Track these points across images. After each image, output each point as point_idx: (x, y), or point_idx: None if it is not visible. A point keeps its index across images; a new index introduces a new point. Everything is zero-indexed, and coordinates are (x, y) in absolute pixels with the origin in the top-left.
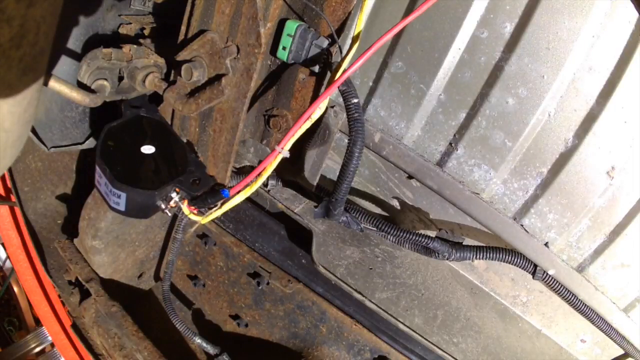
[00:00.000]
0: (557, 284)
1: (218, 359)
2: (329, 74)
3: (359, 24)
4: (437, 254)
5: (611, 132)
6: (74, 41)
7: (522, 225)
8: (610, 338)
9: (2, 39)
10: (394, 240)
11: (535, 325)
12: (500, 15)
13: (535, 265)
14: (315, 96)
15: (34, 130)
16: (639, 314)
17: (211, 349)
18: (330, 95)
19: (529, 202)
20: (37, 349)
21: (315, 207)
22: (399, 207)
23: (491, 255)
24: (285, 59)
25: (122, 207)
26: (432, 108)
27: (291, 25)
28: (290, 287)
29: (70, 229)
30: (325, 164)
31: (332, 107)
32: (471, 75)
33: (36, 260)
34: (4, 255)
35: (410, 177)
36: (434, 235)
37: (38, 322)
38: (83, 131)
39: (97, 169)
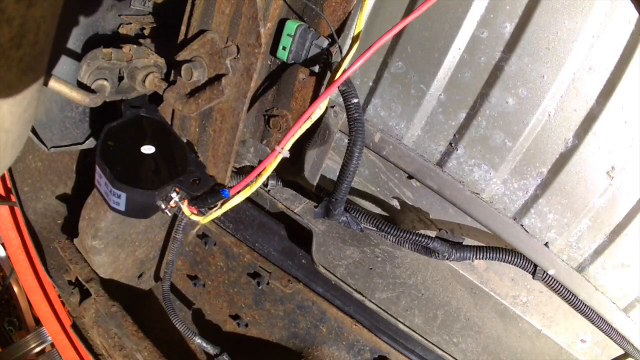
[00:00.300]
0: (557, 284)
1: (218, 359)
2: (329, 74)
3: (359, 24)
4: (437, 254)
5: (611, 132)
6: (74, 41)
7: (522, 225)
8: (610, 338)
9: (2, 39)
10: (394, 240)
11: (535, 325)
12: (500, 15)
13: (535, 265)
14: (315, 96)
15: (34, 130)
16: (639, 314)
17: (211, 349)
18: (330, 95)
19: (529, 202)
20: (37, 349)
21: (315, 207)
22: (399, 207)
23: (491, 255)
24: (285, 59)
25: (122, 207)
26: (432, 108)
27: (291, 25)
28: (290, 287)
29: (70, 229)
30: (325, 164)
31: (332, 107)
32: (471, 75)
33: (36, 260)
34: (4, 255)
35: (410, 177)
36: (434, 235)
37: (38, 322)
38: (83, 131)
39: (97, 169)
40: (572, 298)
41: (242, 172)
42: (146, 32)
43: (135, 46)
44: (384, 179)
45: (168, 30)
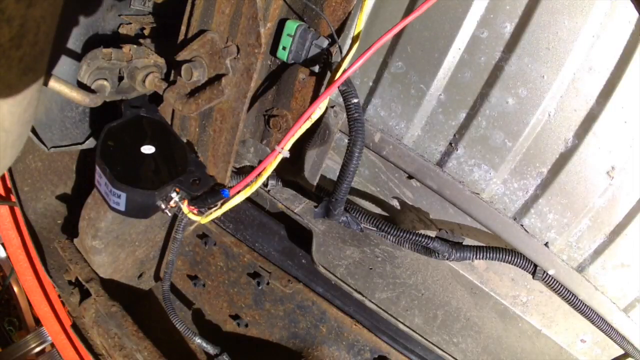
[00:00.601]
0: (557, 284)
1: (218, 359)
2: (329, 74)
3: (359, 24)
4: (437, 254)
5: (611, 132)
6: (74, 41)
7: (522, 225)
8: (610, 338)
9: (2, 39)
10: (394, 240)
11: (535, 325)
12: (500, 15)
13: (535, 265)
14: (315, 96)
15: (34, 130)
16: (639, 314)
17: (211, 349)
18: (330, 95)
19: (529, 202)
20: (37, 349)
21: (315, 207)
22: (399, 207)
23: (491, 255)
24: (285, 59)
25: (122, 207)
26: (432, 108)
27: (291, 25)
28: (290, 287)
29: (70, 229)
30: (325, 164)
31: (332, 107)
32: (471, 75)
33: (36, 260)
34: (4, 255)
35: (410, 177)
36: (434, 235)
37: (38, 322)
38: (83, 131)
39: (97, 169)
40: (572, 298)
41: (242, 172)
42: (146, 32)
43: (135, 46)
44: (384, 179)
45: (168, 30)
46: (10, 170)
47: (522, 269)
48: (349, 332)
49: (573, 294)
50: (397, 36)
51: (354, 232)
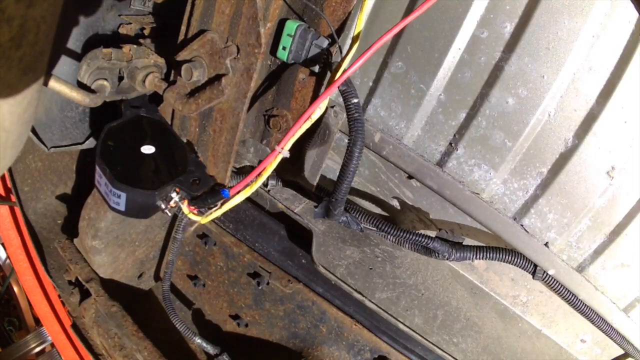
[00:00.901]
0: (557, 284)
1: (218, 359)
2: (329, 74)
3: (359, 24)
4: (437, 254)
5: (611, 132)
6: (74, 41)
7: (522, 225)
8: (610, 338)
9: (2, 39)
10: (394, 240)
11: (535, 325)
12: (500, 15)
13: (535, 265)
14: (315, 96)
15: (34, 130)
16: (639, 314)
17: (211, 349)
18: (330, 95)
19: (529, 202)
20: (37, 349)
21: (315, 207)
22: (399, 207)
23: (491, 255)
24: (285, 59)
25: (122, 207)
26: (432, 108)
27: (291, 25)
28: (290, 287)
29: (70, 229)
30: (325, 164)
31: (332, 107)
32: (471, 75)
33: (36, 260)
34: (4, 255)
35: (410, 177)
36: (434, 235)
37: (38, 322)
38: (83, 131)
39: (97, 169)
40: (572, 298)
41: (242, 172)
42: (146, 32)
43: (135, 46)
44: (384, 179)
45: (168, 30)
46: (10, 170)
47: (522, 269)
48: (349, 332)
49: (573, 294)
50: (397, 36)
51: (354, 232)
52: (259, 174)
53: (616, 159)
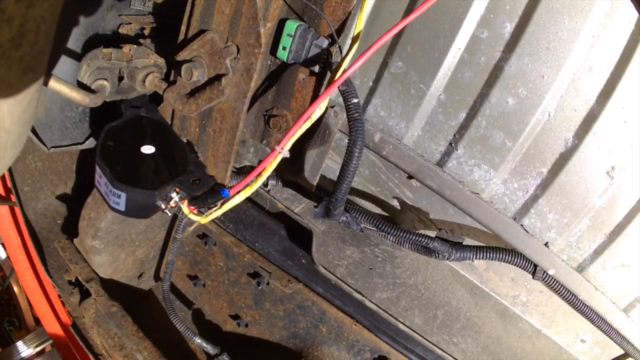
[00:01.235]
0: (557, 284)
1: (218, 359)
2: (329, 74)
3: (359, 24)
4: (437, 254)
5: (611, 132)
6: (74, 41)
7: (522, 225)
8: (610, 338)
9: (2, 39)
10: (394, 240)
11: (535, 325)
12: (500, 15)
13: (535, 265)
14: (315, 96)
15: (34, 130)
16: (639, 314)
17: (211, 349)
18: (330, 95)
19: (529, 202)
20: (37, 349)
21: (315, 207)
22: (399, 207)
23: (491, 255)
24: (285, 59)
25: (122, 207)
26: (432, 108)
27: (291, 25)
28: (290, 287)
29: (70, 229)
30: (325, 164)
31: (332, 107)
32: (471, 75)
33: (36, 260)
34: (4, 255)
35: (410, 177)
36: (434, 235)
37: (38, 322)
38: (83, 131)
39: (97, 169)
40: (572, 298)
41: (242, 172)
42: (146, 32)
43: (135, 46)
44: (384, 179)
45: (168, 30)
46: (10, 170)
47: (522, 269)
48: (349, 332)
49: (573, 294)
50: (397, 36)
51: (354, 232)
52: (259, 174)
53: (616, 159)
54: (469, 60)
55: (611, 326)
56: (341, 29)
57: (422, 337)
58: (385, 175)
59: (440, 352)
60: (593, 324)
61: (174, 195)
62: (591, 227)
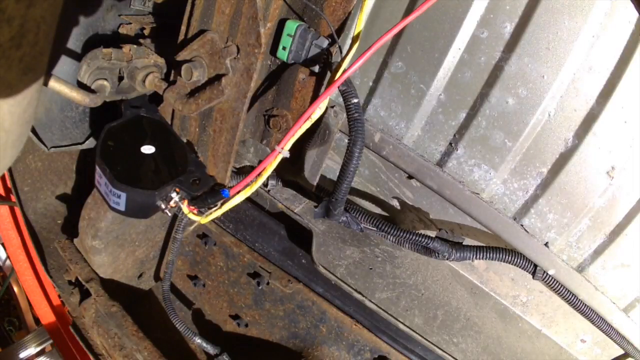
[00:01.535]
0: (557, 284)
1: (218, 359)
2: (329, 74)
3: (359, 24)
4: (437, 254)
5: (611, 132)
6: (74, 41)
7: (522, 225)
8: (610, 338)
9: (2, 39)
10: (394, 240)
11: (535, 325)
12: (500, 15)
13: (535, 265)
14: (315, 96)
15: (34, 130)
16: (639, 314)
17: (211, 349)
18: (330, 95)
19: (529, 202)
20: (37, 349)
21: (315, 207)
22: (399, 207)
23: (491, 255)
24: (285, 59)
25: (122, 207)
26: (432, 108)
27: (291, 25)
28: (290, 287)
29: (70, 229)
30: (325, 164)
31: (332, 107)
32: (471, 75)
33: (36, 260)
34: (4, 255)
35: (410, 177)
36: (434, 235)
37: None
38: (83, 131)
39: (97, 169)
40: (572, 298)
41: (242, 172)
42: (146, 32)
43: (135, 46)
44: (384, 179)
45: (168, 30)
46: (10, 170)
47: (522, 269)
48: (349, 332)
49: (573, 294)
50: (397, 36)
51: (354, 232)
52: (259, 174)
53: (616, 159)
54: (469, 60)
55: (611, 326)
56: (341, 29)
57: (422, 337)
58: (385, 175)
59: (440, 352)
60: (593, 324)
61: (174, 195)
62: (591, 227)
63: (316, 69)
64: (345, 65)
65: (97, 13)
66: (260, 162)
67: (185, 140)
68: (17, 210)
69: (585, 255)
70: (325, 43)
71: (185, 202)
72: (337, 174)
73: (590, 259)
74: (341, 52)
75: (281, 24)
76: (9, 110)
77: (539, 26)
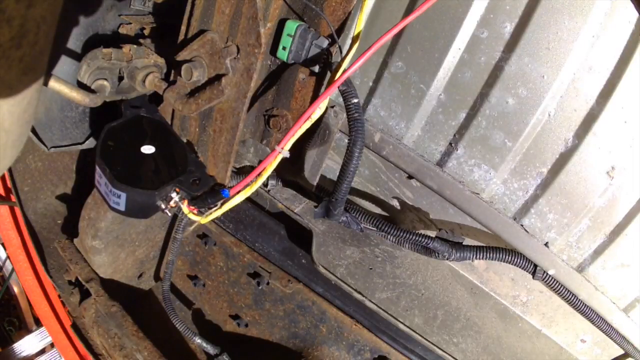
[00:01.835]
0: (557, 284)
1: (218, 359)
2: (329, 74)
3: (359, 24)
4: (437, 254)
5: (611, 132)
6: (74, 41)
7: (522, 225)
8: (610, 338)
9: (2, 39)
10: (394, 240)
11: (535, 325)
12: (500, 15)
13: (535, 265)
14: (315, 96)
15: (34, 130)
16: (639, 314)
17: (211, 349)
18: (330, 95)
19: (529, 202)
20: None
21: (315, 207)
22: (399, 207)
23: (491, 255)
24: (285, 59)
25: (122, 207)
26: (432, 108)
27: (291, 25)
28: (290, 287)
29: (70, 229)
30: (325, 164)
31: (332, 107)
32: (471, 75)
33: (36, 260)
34: (4, 255)
35: (410, 177)
36: (434, 235)
37: (38, 322)
38: (83, 131)
39: (97, 169)
40: (572, 298)
41: (242, 172)
42: (146, 32)
43: (135, 46)
44: (384, 179)
45: (168, 30)
46: (10, 170)
47: (522, 269)
48: (349, 332)
49: (573, 294)
50: (397, 36)
51: (354, 232)
52: (259, 174)
53: (616, 159)
54: (469, 60)
55: (611, 326)
56: (341, 29)
57: (422, 337)
58: (385, 175)
59: (440, 352)
60: (593, 324)
61: (174, 195)
62: (591, 227)
63: (316, 69)
64: (345, 65)
65: (97, 13)
66: (260, 162)
67: (185, 140)
68: (17, 210)
69: (585, 255)
70: (325, 43)
71: (185, 202)
72: (337, 174)
73: (590, 259)
74: (341, 52)
75: (281, 24)
76: (8, 110)
77: (539, 26)
